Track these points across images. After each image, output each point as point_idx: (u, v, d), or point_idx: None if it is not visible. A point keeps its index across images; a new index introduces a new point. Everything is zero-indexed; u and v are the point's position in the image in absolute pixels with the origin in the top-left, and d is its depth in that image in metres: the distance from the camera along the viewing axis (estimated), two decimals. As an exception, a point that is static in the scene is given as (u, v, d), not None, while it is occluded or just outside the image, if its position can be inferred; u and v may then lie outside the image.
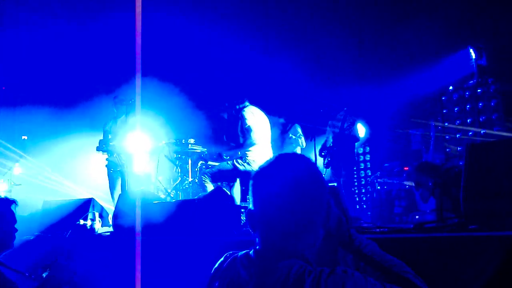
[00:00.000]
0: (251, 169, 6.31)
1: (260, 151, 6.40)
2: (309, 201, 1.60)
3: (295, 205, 1.58)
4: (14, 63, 9.71)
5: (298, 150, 9.10)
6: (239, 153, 6.39)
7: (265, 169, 1.70)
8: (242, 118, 6.42)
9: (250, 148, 6.35)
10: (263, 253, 1.66)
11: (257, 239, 1.71)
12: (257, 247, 1.70)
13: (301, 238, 1.61)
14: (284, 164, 1.68)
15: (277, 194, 1.59)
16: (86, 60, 9.63)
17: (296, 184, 1.59)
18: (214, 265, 1.90)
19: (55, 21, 9.36)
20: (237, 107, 6.57)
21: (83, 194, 8.68)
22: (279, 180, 1.61)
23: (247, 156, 6.35)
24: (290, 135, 8.92)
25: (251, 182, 1.71)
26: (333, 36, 8.63)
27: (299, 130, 9.12)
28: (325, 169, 7.47)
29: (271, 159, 1.74)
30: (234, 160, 6.39)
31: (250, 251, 1.72)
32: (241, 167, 6.35)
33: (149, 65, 6.57)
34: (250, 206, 1.69)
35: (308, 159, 1.70)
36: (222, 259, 1.83)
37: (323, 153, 7.61)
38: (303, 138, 9.03)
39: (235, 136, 6.62)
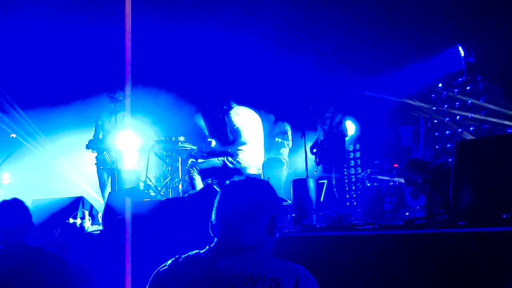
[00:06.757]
0: (240, 167, 6.30)
1: (251, 150, 6.39)
2: (256, 217, 2.08)
3: (246, 219, 2.06)
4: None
5: (285, 152, 9.10)
6: (230, 150, 6.37)
7: (227, 190, 2.17)
8: (230, 120, 6.40)
9: (241, 147, 6.34)
10: (219, 248, 2.06)
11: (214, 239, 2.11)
12: (212, 245, 2.09)
13: (250, 239, 2.05)
14: (243, 188, 2.15)
15: (233, 210, 2.09)
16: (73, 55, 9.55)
17: (250, 204, 2.09)
18: None
19: (44, 18, 9.30)
20: (224, 107, 6.55)
21: (72, 192, 8.59)
22: (237, 200, 2.10)
23: (238, 155, 6.33)
24: (276, 139, 8.93)
25: (216, 199, 2.15)
26: (322, 33, 8.61)
27: (289, 128, 9.11)
28: (316, 167, 7.48)
29: (235, 181, 2.19)
30: (225, 158, 6.37)
31: (200, 251, 2.10)
32: (230, 165, 6.32)
33: (138, 66, 6.52)
34: (212, 218, 2.14)
35: (266, 185, 2.20)
36: (170, 261, 2.10)
37: (314, 150, 7.62)
38: (290, 139, 9.02)
39: (224, 137, 6.60)
